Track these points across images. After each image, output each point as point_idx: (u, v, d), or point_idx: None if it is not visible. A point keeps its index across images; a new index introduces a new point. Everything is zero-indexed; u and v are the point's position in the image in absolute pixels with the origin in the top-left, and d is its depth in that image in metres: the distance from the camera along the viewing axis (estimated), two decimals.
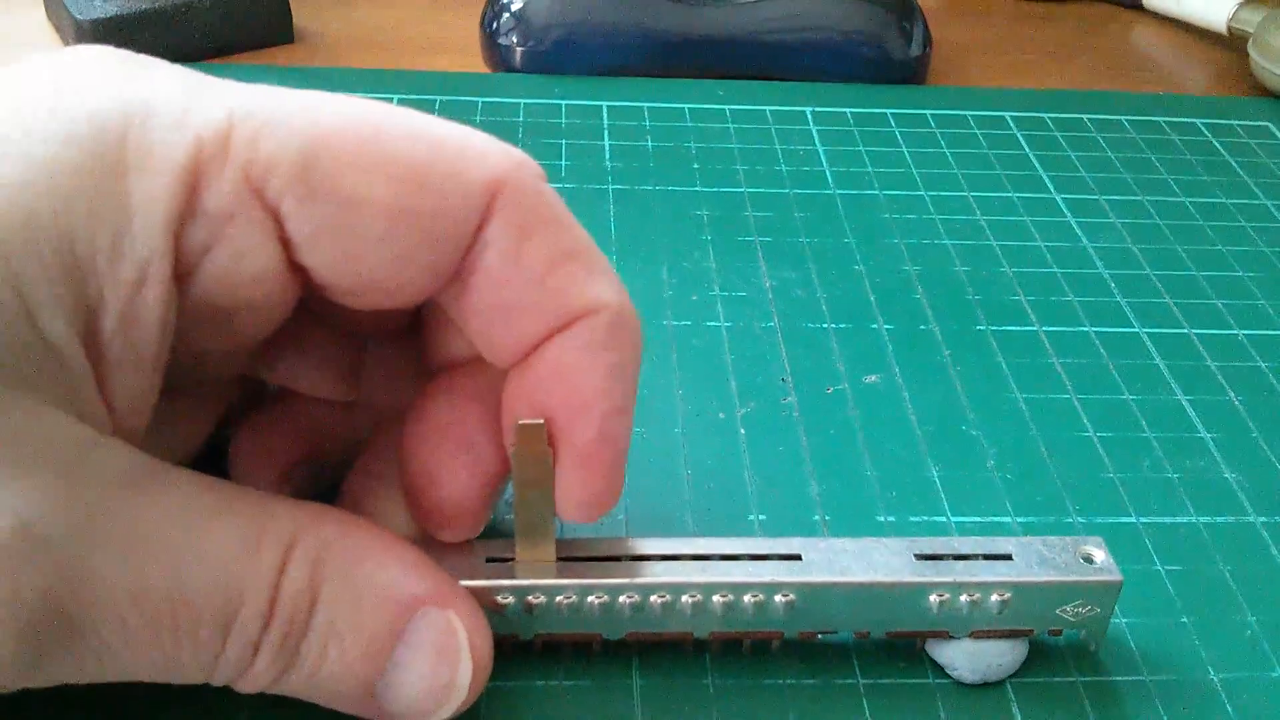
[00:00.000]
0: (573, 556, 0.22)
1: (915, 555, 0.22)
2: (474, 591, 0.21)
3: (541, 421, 0.20)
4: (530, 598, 0.22)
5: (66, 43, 0.44)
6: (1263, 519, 0.27)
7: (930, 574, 0.22)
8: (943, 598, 0.22)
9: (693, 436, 0.29)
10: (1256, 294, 0.35)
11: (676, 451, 0.28)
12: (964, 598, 0.22)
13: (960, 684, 0.23)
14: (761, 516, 0.26)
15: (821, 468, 0.28)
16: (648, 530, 0.26)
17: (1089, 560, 0.23)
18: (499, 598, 0.21)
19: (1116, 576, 0.22)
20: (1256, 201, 0.40)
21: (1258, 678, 0.24)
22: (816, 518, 0.26)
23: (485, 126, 0.40)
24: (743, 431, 0.29)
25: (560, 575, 0.22)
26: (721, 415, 0.29)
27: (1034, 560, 0.22)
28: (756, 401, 0.30)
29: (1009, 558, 0.23)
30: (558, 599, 0.22)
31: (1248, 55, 0.49)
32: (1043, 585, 0.22)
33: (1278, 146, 0.44)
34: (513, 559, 0.22)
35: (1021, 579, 0.22)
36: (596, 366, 0.19)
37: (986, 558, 0.23)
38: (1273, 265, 0.37)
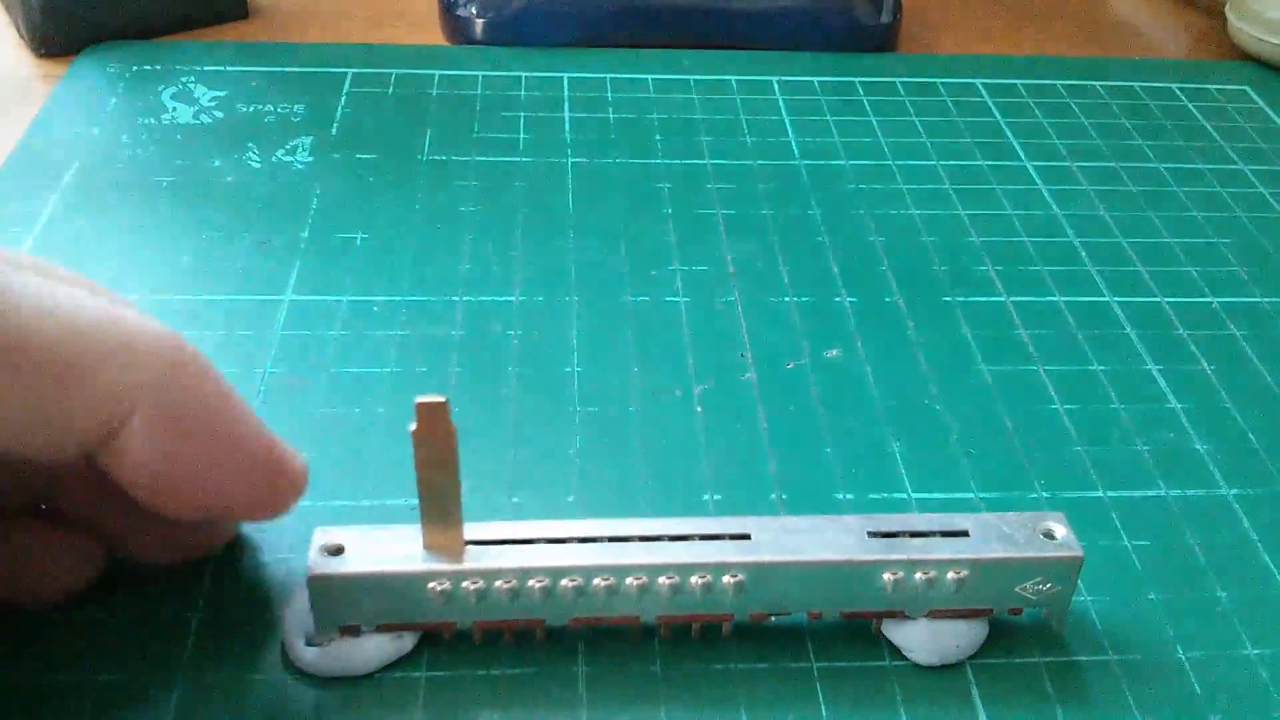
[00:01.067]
0: (520, 539, 0.21)
1: (868, 533, 0.22)
2: (409, 578, 0.20)
3: (443, 399, 0.19)
4: (465, 583, 0.21)
5: (15, 23, 0.43)
6: (1235, 491, 0.27)
7: (883, 552, 0.21)
8: (897, 576, 0.21)
9: (648, 415, 0.28)
10: (1231, 260, 0.35)
11: (631, 430, 0.27)
12: (919, 575, 0.21)
13: (918, 666, 0.22)
14: (717, 496, 0.26)
15: (779, 445, 0.27)
16: (598, 511, 0.25)
17: (1049, 536, 0.22)
18: (433, 584, 0.21)
19: (1077, 552, 0.21)
20: (1233, 166, 0.40)
21: (1227, 656, 0.23)
22: (773, 496, 0.26)
23: (442, 100, 0.39)
24: (699, 409, 0.28)
25: (483, 561, 0.21)
26: (678, 392, 0.28)
27: (992, 536, 0.22)
28: (714, 378, 0.29)
29: (966, 534, 0.22)
30: (496, 584, 0.21)
31: (1226, 18, 0.48)
32: (1001, 562, 0.21)
33: (1255, 110, 0.43)
34: (474, 542, 0.21)
35: (979, 556, 0.21)
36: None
37: (943, 535, 0.22)
38: (1248, 231, 0.36)
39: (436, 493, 0.20)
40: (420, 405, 0.19)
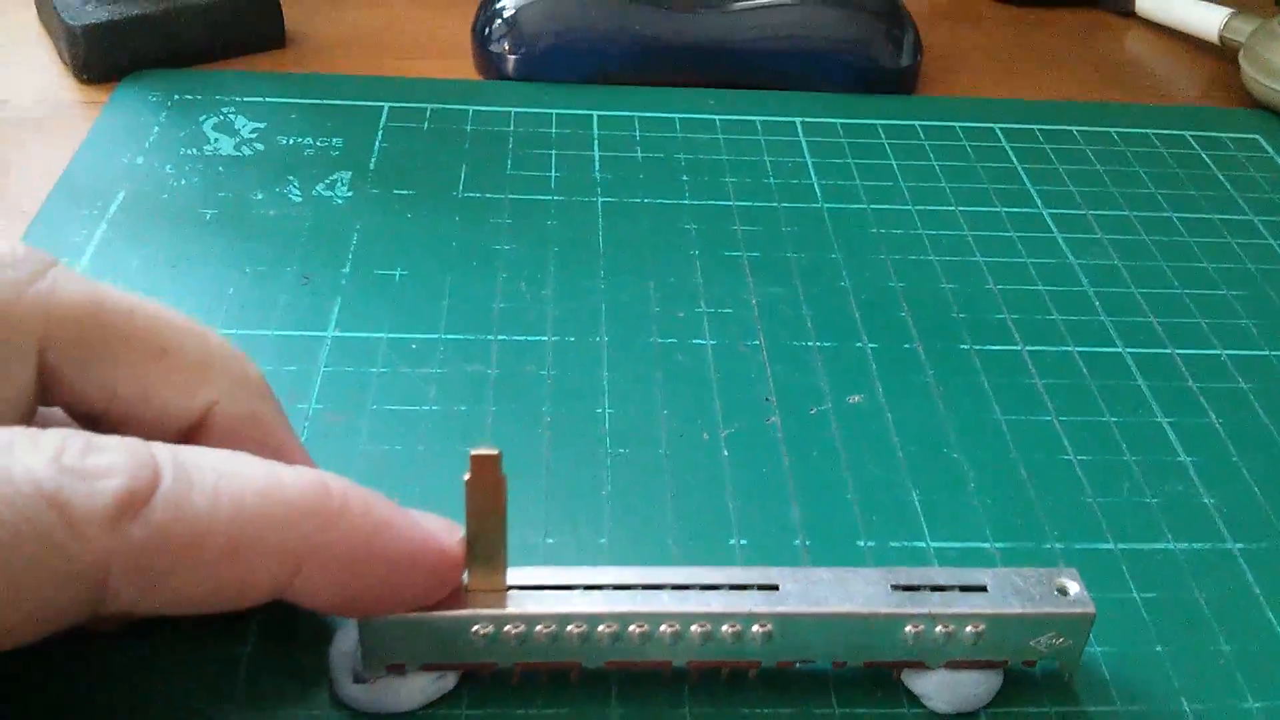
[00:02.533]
0: (543, 585, 0.22)
1: (892, 586, 0.23)
2: (455, 621, 0.22)
3: (496, 451, 0.20)
4: (508, 627, 0.22)
5: (58, 47, 0.44)
6: (1240, 545, 0.28)
7: (906, 605, 0.22)
8: (918, 629, 0.22)
9: (677, 457, 0.29)
10: (1240, 313, 0.36)
11: (661, 473, 0.28)
12: (939, 629, 0.22)
13: (935, 714, 0.23)
14: (743, 541, 0.27)
15: (803, 491, 0.28)
16: (629, 553, 0.26)
17: (1063, 592, 0.23)
18: (477, 627, 0.22)
19: (1090, 609, 0.23)
20: (1243, 217, 0.41)
21: (1229, 707, 0.24)
22: (797, 542, 0.27)
23: (477, 136, 0.40)
24: (726, 453, 0.29)
25: (525, 605, 0.22)
26: (705, 436, 0.29)
27: (1009, 592, 0.23)
28: (740, 422, 0.30)
29: (984, 589, 0.23)
30: (537, 629, 0.22)
31: (1239, 65, 0.49)
32: (1017, 617, 0.22)
33: (1266, 160, 0.44)
34: (517, 587, 0.22)
35: (996, 611, 0.22)
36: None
37: (962, 589, 0.23)
38: (1257, 283, 0.37)
39: (484, 539, 0.21)
40: (475, 457, 0.20)
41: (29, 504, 0.16)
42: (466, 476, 0.20)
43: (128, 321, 0.21)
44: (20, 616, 0.17)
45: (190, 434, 0.22)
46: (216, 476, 0.18)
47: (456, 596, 0.22)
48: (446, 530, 0.21)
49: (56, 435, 0.18)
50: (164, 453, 0.18)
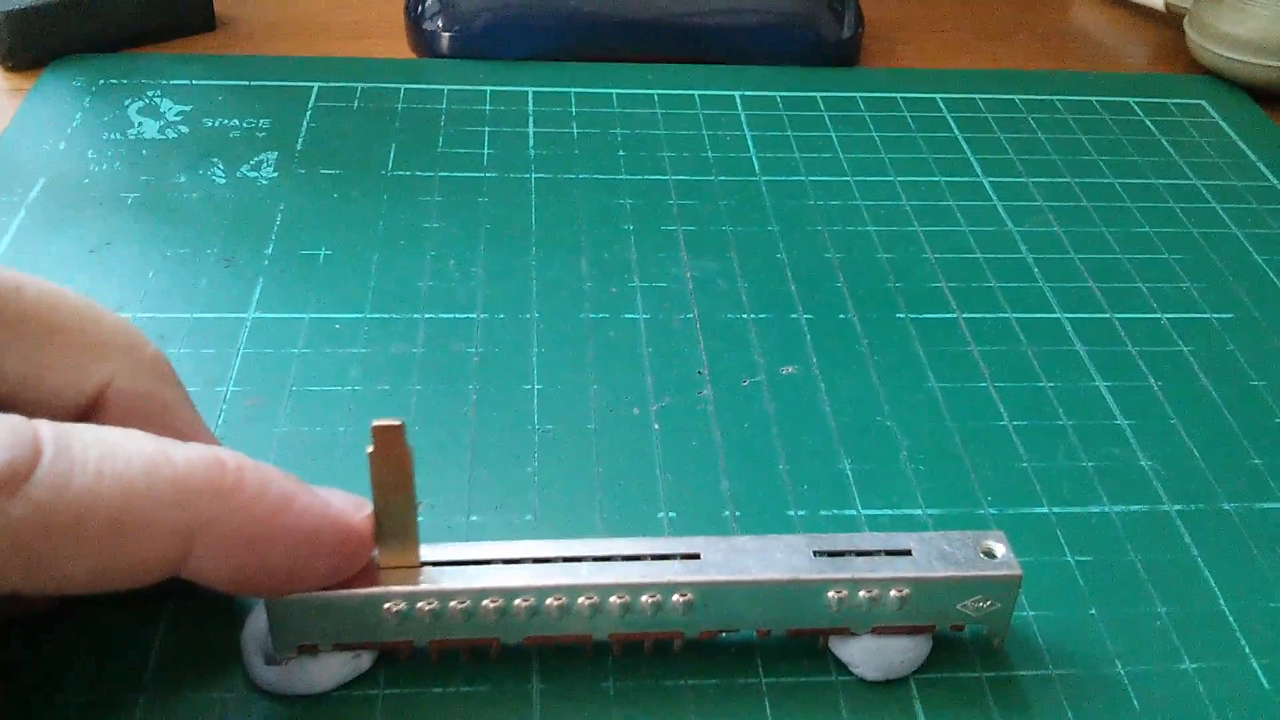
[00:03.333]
0: (477, 560, 0.22)
1: (814, 552, 0.22)
2: (365, 599, 0.21)
3: (399, 422, 0.19)
4: (421, 604, 0.21)
5: None
6: (1178, 507, 0.27)
7: (829, 570, 0.22)
8: (841, 594, 0.22)
9: (605, 433, 0.28)
10: (1181, 276, 0.35)
11: (589, 449, 0.28)
12: (863, 594, 0.22)
13: (863, 681, 0.23)
14: (671, 514, 0.26)
15: (734, 463, 0.27)
16: (556, 529, 0.25)
17: (990, 555, 0.22)
18: (388, 605, 0.21)
19: (1016, 571, 0.22)
20: (1186, 181, 0.40)
21: (1166, 670, 0.23)
22: (727, 514, 0.26)
23: (408, 115, 0.40)
24: (657, 427, 0.28)
25: (439, 581, 0.21)
26: (636, 411, 0.29)
27: (934, 556, 0.22)
28: (672, 396, 0.29)
29: (909, 553, 0.22)
30: (451, 604, 0.21)
31: (1184, 32, 0.48)
32: (942, 581, 0.22)
33: (1211, 125, 0.44)
34: (431, 563, 0.21)
35: (920, 575, 0.22)
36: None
37: (887, 554, 0.22)
38: (1199, 247, 0.37)
39: (393, 514, 0.21)
40: (376, 428, 0.20)
41: None
42: (370, 449, 0.20)
43: (15, 299, 0.20)
44: None
45: (85, 416, 0.21)
46: (100, 453, 0.18)
47: (369, 574, 0.21)
48: (353, 506, 0.21)
49: None
50: (45, 429, 0.18)
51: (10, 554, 0.17)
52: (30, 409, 0.20)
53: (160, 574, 0.18)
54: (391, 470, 0.20)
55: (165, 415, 0.22)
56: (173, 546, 0.18)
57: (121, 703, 0.21)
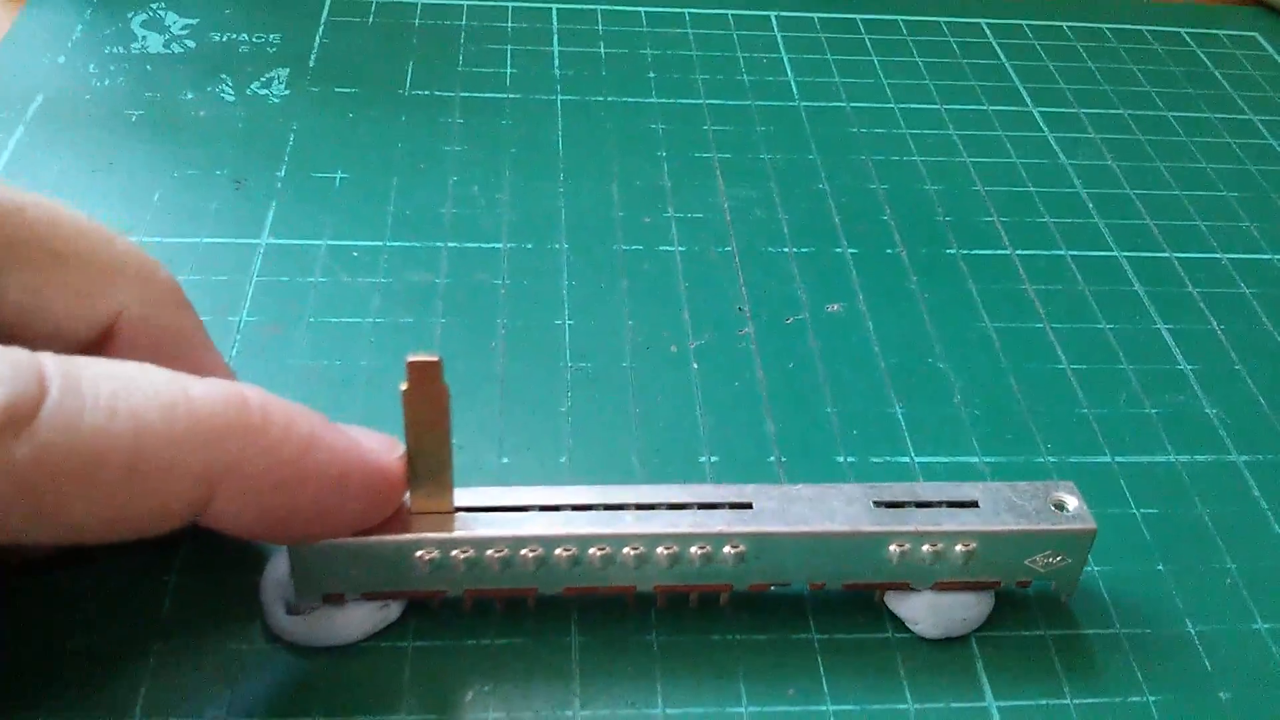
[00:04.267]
0: (512, 506, 0.20)
1: (874, 502, 0.21)
2: (396, 546, 0.19)
3: (436, 357, 0.18)
4: (455, 552, 0.20)
5: None
6: (1245, 457, 0.26)
7: (890, 523, 0.20)
8: (903, 548, 0.20)
9: (642, 371, 0.27)
10: (1241, 215, 0.34)
11: (625, 387, 0.26)
12: (926, 548, 0.20)
13: (922, 639, 0.22)
14: (713, 458, 0.25)
15: (778, 405, 0.26)
16: (591, 472, 0.24)
17: (1060, 507, 0.21)
18: (421, 553, 0.20)
19: (1090, 525, 0.21)
20: (1242, 116, 0.38)
21: (1238, 630, 0.22)
22: (772, 459, 0.25)
23: (426, 31, 0.38)
24: (695, 366, 0.27)
25: (474, 528, 0.20)
26: (673, 348, 0.27)
27: (1001, 508, 0.21)
28: (711, 333, 0.28)
29: (975, 505, 0.21)
30: (488, 553, 0.20)
31: None
32: (1010, 535, 0.21)
33: (1265, 58, 0.42)
34: (466, 509, 0.20)
35: (988, 528, 0.20)
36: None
37: (950, 505, 0.21)
38: (1258, 185, 0.35)
39: (426, 456, 0.19)
40: (412, 364, 0.18)
41: None
42: (404, 386, 0.18)
43: (16, 220, 0.18)
44: None
45: (95, 349, 0.19)
46: (113, 389, 0.16)
47: (399, 520, 0.20)
48: (385, 447, 0.19)
49: None
50: (51, 363, 0.16)
51: (14, 499, 0.15)
52: (35, 341, 0.19)
53: (179, 521, 0.17)
54: (427, 409, 0.18)
55: (181, 347, 0.20)
56: (193, 491, 0.17)
57: (133, 653, 0.20)
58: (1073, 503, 0.21)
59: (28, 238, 0.18)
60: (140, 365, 0.17)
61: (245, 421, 0.17)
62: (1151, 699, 0.21)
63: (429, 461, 0.19)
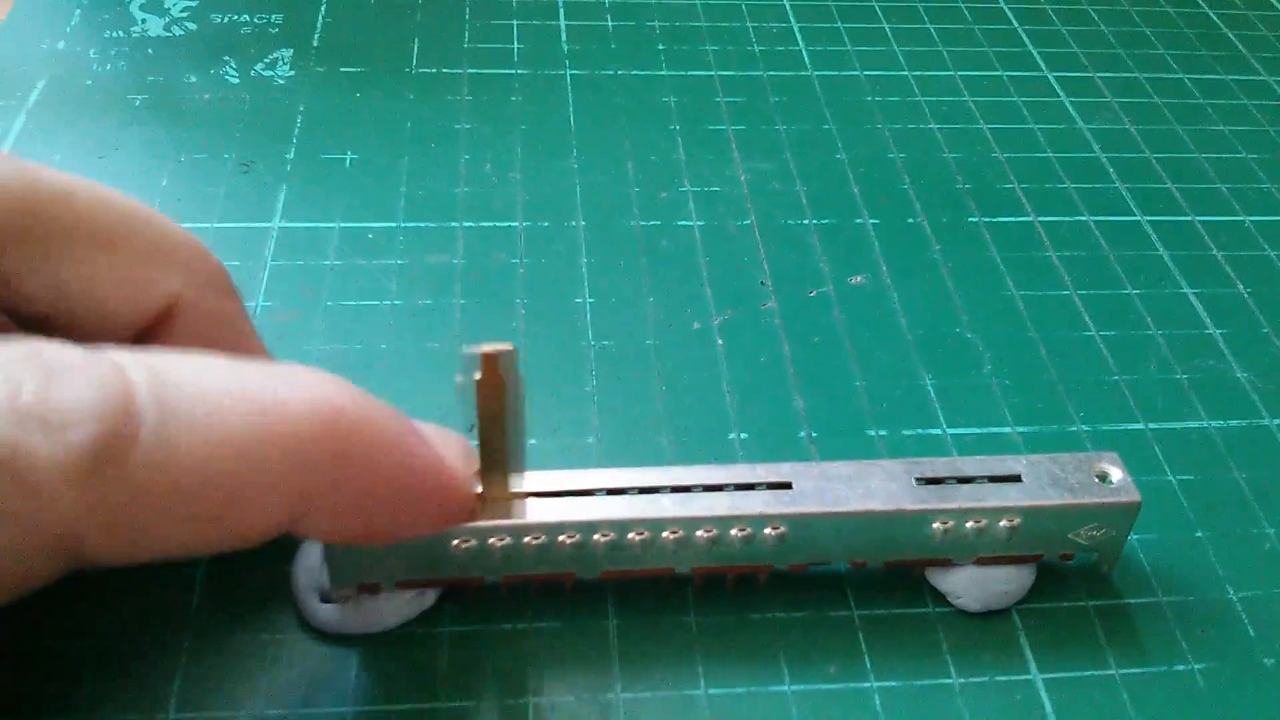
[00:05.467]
0: (541, 492, 0.20)
1: (916, 479, 0.20)
2: (433, 536, 0.19)
3: (510, 347, 0.17)
4: (493, 540, 0.19)
5: None
6: (1277, 421, 0.26)
7: (933, 500, 0.20)
8: (947, 525, 0.20)
9: (666, 349, 0.26)
10: (1261, 177, 0.33)
11: (649, 366, 0.26)
12: (970, 524, 0.20)
13: (964, 612, 0.21)
14: (743, 435, 0.24)
15: (806, 379, 0.26)
16: (620, 454, 0.24)
17: (1104, 479, 0.21)
18: (457, 541, 0.19)
19: (1135, 497, 0.20)
20: (1258, 78, 0.38)
21: (1279, 595, 0.22)
22: (802, 434, 0.24)
23: (430, 6, 0.37)
24: (720, 342, 0.26)
25: (528, 513, 0.19)
26: (697, 325, 0.27)
27: (1045, 481, 0.20)
28: (734, 308, 0.27)
29: (1018, 479, 0.21)
30: (525, 540, 0.19)
31: None
32: (1055, 509, 0.20)
33: (1279, 19, 0.42)
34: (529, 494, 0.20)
35: (1032, 503, 0.20)
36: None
37: (993, 480, 0.21)
38: (1277, 146, 0.35)
39: (496, 443, 0.18)
40: (485, 355, 0.17)
41: None
42: (476, 376, 0.18)
43: (68, 207, 0.18)
44: None
45: (150, 333, 0.19)
46: (207, 406, 0.15)
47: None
48: (462, 456, 0.19)
49: (6, 364, 0.13)
50: (140, 377, 0.14)
51: (109, 532, 0.14)
52: (94, 326, 0.18)
53: (268, 538, 0.16)
54: (496, 397, 0.18)
55: (232, 334, 0.20)
56: (284, 511, 0.16)
57: (165, 648, 0.20)
58: (1117, 474, 0.21)
59: (79, 225, 0.18)
60: (229, 366, 0.15)
61: (342, 435, 0.16)
62: (1196, 667, 0.21)
63: (497, 450, 0.19)
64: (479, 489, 0.19)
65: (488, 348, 0.17)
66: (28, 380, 0.13)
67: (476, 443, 0.18)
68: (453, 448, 0.18)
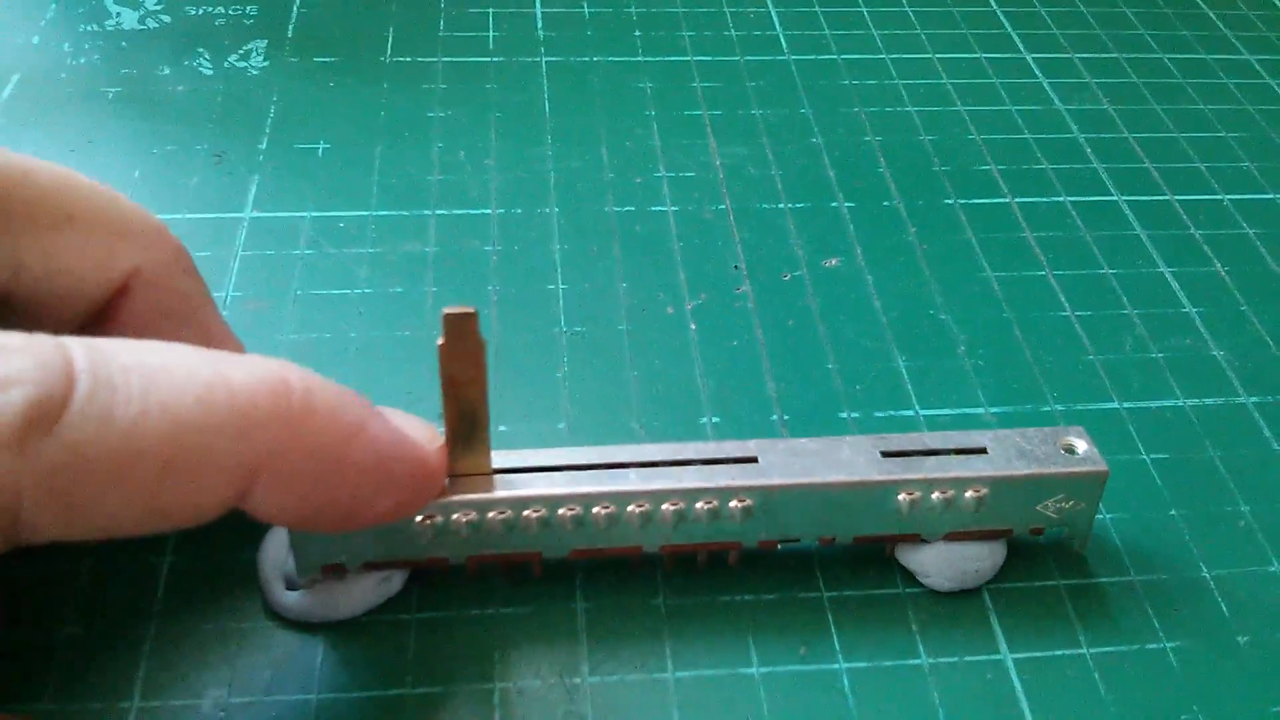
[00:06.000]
0: (508, 469, 0.20)
1: (881, 452, 0.20)
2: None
3: (472, 309, 0.17)
4: (457, 515, 0.19)
5: None
6: (1254, 399, 0.25)
7: (898, 471, 0.20)
8: (913, 497, 0.20)
9: (639, 334, 0.26)
10: (1241, 155, 0.33)
11: (622, 351, 0.26)
12: (936, 496, 0.20)
13: (934, 592, 0.21)
14: (715, 419, 0.24)
15: (779, 364, 0.25)
16: (591, 439, 0.24)
17: (1070, 451, 0.21)
18: (421, 517, 0.19)
19: (1102, 467, 0.20)
20: (1238, 56, 0.38)
21: (1254, 573, 0.22)
22: (775, 418, 0.24)
23: None
24: (693, 326, 0.26)
25: (494, 489, 0.19)
26: (670, 309, 0.27)
27: (1011, 453, 0.20)
28: (708, 293, 0.27)
29: (984, 451, 0.20)
30: (490, 515, 0.19)
31: None
32: (1021, 479, 0.20)
33: None
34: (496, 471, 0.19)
35: (998, 473, 0.20)
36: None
37: (959, 452, 0.20)
38: (1257, 124, 0.34)
39: (463, 415, 0.18)
40: (448, 316, 0.17)
41: None
42: (440, 341, 0.17)
43: (25, 184, 0.18)
44: None
45: (107, 312, 0.19)
46: (145, 377, 0.15)
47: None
48: (426, 435, 0.18)
49: None
50: (79, 351, 0.15)
51: (45, 500, 0.14)
52: (53, 303, 0.18)
53: (216, 513, 0.16)
54: (463, 364, 0.18)
55: (193, 311, 0.20)
56: (231, 484, 0.15)
57: (130, 636, 0.20)
58: (1082, 445, 0.21)
59: (39, 201, 0.18)
60: (174, 347, 0.16)
61: (288, 409, 0.16)
62: (1169, 645, 0.21)
63: (466, 421, 0.19)
64: (443, 474, 0.19)
65: (450, 310, 0.17)
66: None
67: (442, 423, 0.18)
68: (414, 426, 0.18)
